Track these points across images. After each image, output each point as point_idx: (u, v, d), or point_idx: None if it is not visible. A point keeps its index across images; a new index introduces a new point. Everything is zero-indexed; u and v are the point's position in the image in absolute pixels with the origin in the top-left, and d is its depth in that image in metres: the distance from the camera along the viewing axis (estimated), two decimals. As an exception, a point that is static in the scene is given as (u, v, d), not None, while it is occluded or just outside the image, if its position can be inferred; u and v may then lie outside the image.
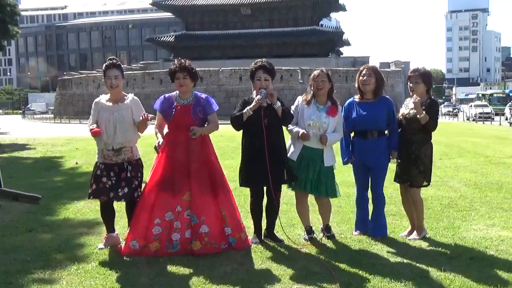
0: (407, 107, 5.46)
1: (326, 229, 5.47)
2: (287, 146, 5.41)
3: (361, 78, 5.42)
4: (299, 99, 5.43)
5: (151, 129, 5.20)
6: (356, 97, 5.56)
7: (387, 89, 49.03)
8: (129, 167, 5.02)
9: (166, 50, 71.16)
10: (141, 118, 4.93)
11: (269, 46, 59.81)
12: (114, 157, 4.99)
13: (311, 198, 5.56)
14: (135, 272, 4.42)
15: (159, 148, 5.02)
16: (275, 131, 5.14)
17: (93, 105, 5.10)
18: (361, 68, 5.52)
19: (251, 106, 5.03)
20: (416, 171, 5.35)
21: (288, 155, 5.33)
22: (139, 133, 5.15)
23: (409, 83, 5.44)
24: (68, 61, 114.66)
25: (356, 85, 5.55)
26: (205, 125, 5.08)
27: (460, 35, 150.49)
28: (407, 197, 5.54)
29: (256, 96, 5.06)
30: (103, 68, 5.03)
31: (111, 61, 5.05)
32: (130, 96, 5.11)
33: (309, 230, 5.44)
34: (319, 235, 5.50)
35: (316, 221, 5.75)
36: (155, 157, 5.17)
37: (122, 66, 5.16)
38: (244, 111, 5.05)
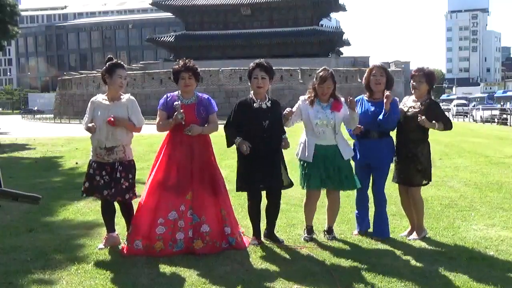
0: (405, 106, 5.47)
1: (329, 231, 5.46)
2: (297, 147, 5.40)
3: (372, 77, 5.40)
4: (302, 98, 5.38)
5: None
6: (365, 96, 5.55)
7: (387, 89, 48.71)
8: (119, 167, 5.00)
9: (166, 50, 71.15)
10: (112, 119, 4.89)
11: (269, 46, 59.81)
12: (106, 156, 4.99)
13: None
14: (135, 272, 4.41)
15: (179, 113, 4.84)
16: (275, 133, 5.11)
17: (89, 103, 5.11)
18: (371, 67, 5.49)
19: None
20: (414, 170, 5.34)
21: (301, 157, 5.30)
22: (132, 133, 5.15)
23: (412, 81, 5.43)
24: (68, 61, 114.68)
25: (365, 83, 5.50)
26: (205, 125, 5.09)
27: (460, 35, 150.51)
28: (406, 197, 5.54)
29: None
30: (110, 65, 4.98)
31: (117, 61, 5.07)
32: (126, 96, 5.12)
33: (310, 230, 5.44)
34: (319, 234, 5.50)
35: (316, 222, 5.74)
36: (156, 156, 5.18)
37: None
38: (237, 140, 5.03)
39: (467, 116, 43.77)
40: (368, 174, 5.49)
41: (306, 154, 5.26)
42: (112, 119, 4.88)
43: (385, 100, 5.17)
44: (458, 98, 62.33)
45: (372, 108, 5.38)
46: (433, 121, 5.24)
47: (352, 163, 5.53)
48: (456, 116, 45.39)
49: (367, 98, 5.51)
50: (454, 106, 51.10)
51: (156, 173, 5.03)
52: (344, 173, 5.25)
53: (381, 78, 5.37)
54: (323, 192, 5.46)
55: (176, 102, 4.92)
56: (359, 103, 5.48)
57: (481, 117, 38.85)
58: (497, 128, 29.17)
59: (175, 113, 4.85)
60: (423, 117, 5.20)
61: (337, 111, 5.21)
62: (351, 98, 5.10)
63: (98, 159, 5.03)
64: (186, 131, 4.90)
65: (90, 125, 4.96)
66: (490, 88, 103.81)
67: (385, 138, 5.40)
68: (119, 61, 5.10)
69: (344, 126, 5.39)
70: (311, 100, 5.26)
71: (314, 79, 5.30)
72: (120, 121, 4.94)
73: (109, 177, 5.00)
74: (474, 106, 48.58)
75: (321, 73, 5.23)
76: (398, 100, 5.36)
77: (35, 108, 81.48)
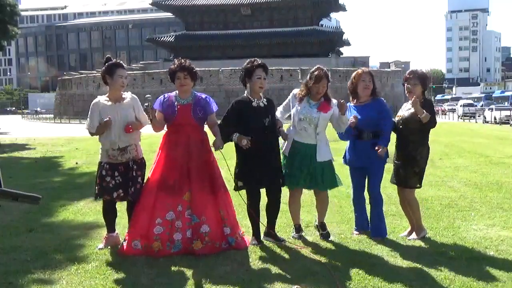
0: (403, 110, 5.49)
1: (321, 227, 5.47)
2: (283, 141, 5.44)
3: (361, 82, 5.45)
4: (294, 92, 5.43)
5: (149, 129, 5.18)
6: (351, 103, 5.58)
7: (387, 89, 48.54)
8: (134, 166, 5.01)
9: (166, 50, 71.13)
10: (131, 130, 4.96)
11: (269, 46, 59.80)
12: (120, 156, 4.98)
13: (307, 196, 5.55)
14: (135, 272, 4.41)
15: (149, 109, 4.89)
16: (273, 131, 5.14)
17: (92, 106, 5.04)
18: (359, 72, 5.52)
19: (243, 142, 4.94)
20: (411, 172, 5.36)
21: (282, 148, 5.37)
22: (140, 131, 5.16)
23: (406, 84, 5.46)
24: (68, 61, 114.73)
25: (351, 88, 5.56)
26: (205, 125, 5.14)
27: (460, 35, 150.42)
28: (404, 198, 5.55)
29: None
30: (110, 65, 4.97)
31: (116, 61, 5.06)
32: (129, 95, 5.12)
33: (298, 228, 5.49)
34: (313, 231, 5.50)
35: (313, 219, 5.73)
36: (154, 157, 5.18)
37: None
38: (235, 139, 5.00)
39: (474, 117, 40.56)
40: (363, 175, 5.51)
41: (285, 146, 5.32)
42: (130, 126, 4.92)
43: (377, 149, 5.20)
44: (453, 99, 61.38)
45: (360, 112, 5.41)
46: (424, 112, 5.20)
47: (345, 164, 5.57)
48: (463, 117, 42.55)
49: (353, 104, 5.56)
50: (461, 106, 46.82)
51: (153, 174, 5.03)
52: (319, 172, 5.25)
53: (369, 83, 5.44)
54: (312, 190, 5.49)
55: (148, 95, 4.96)
56: (347, 111, 5.49)
57: (495, 117, 35.43)
58: (497, 128, 29.17)
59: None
60: (423, 115, 5.18)
61: (324, 112, 5.23)
62: (342, 101, 5.11)
63: (111, 160, 5.00)
64: (215, 149, 4.97)
65: (106, 119, 4.87)
66: (490, 88, 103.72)
67: (377, 139, 5.41)
68: (118, 61, 5.09)
69: (335, 131, 5.43)
70: (300, 98, 5.31)
71: (308, 78, 5.31)
72: (136, 125, 5.00)
73: (121, 177, 4.98)
74: (482, 106, 45.77)
75: (316, 72, 5.25)
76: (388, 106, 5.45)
77: (9, 109, 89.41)
